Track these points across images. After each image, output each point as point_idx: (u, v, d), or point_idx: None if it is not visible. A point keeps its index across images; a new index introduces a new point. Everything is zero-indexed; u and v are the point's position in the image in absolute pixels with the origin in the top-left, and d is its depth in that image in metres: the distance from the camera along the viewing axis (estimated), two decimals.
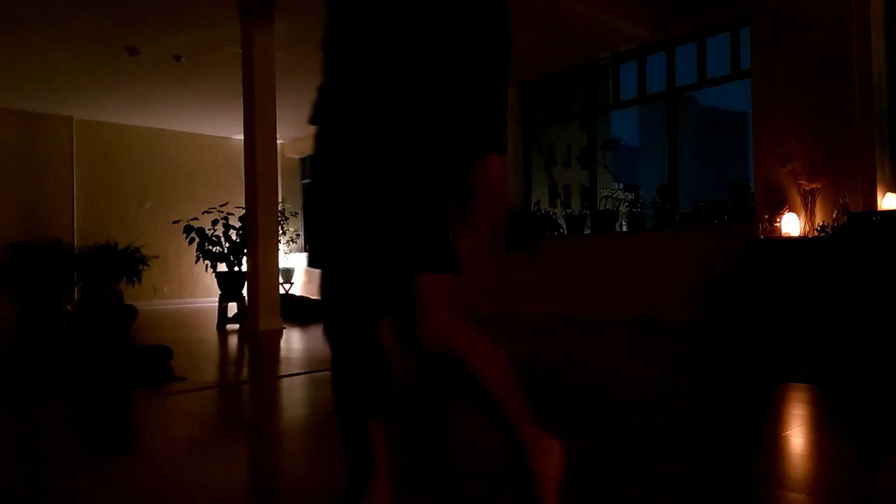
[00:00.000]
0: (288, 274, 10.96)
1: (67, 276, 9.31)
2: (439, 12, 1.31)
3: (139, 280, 9.76)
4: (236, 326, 6.81)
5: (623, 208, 8.02)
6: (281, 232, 10.43)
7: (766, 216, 5.73)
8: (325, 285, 1.42)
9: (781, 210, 5.66)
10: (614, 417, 2.76)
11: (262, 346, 5.46)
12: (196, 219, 7.26)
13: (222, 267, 7.13)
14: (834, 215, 5.25)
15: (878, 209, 5.22)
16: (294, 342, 5.69)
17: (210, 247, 7.02)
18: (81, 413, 3.05)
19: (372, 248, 1.28)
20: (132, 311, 4.23)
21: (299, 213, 11.95)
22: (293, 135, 11.23)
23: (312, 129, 1.41)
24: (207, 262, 7.10)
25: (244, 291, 6.81)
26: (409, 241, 1.28)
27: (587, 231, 7.78)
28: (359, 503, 1.44)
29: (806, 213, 5.57)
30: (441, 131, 1.32)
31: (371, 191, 1.28)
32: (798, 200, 5.64)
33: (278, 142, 8.04)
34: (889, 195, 5.22)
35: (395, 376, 1.49)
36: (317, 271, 1.43)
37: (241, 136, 6.66)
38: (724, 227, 6.41)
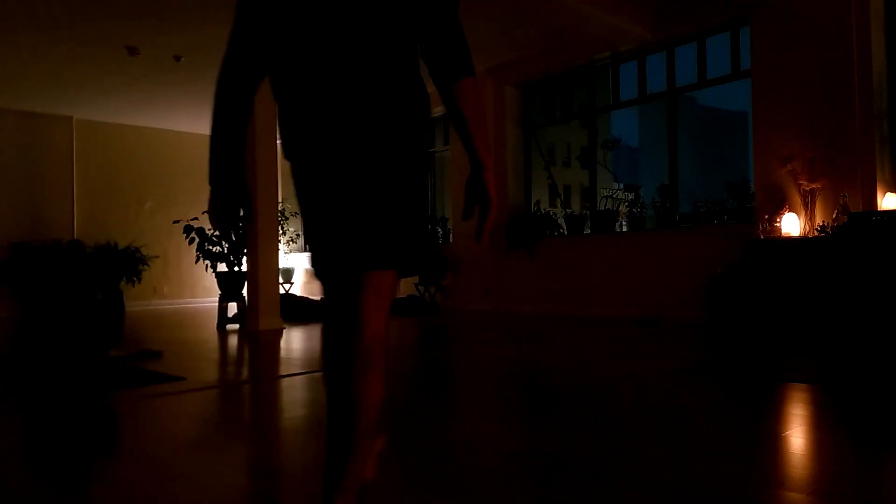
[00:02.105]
0: (288, 274, 10.95)
1: (80, 275, 9.24)
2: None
3: (139, 280, 9.75)
4: (236, 326, 6.80)
5: (623, 208, 8.02)
6: (281, 232, 10.42)
7: (766, 216, 5.73)
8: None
9: (781, 210, 5.66)
10: (614, 417, 2.77)
11: (262, 346, 5.46)
12: (196, 219, 7.24)
13: (222, 267, 7.13)
14: (834, 215, 5.25)
15: (878, 209, 5.22)
16: (294, 342, 5.69)
17: (210, 247, 7.02)
18: (82, 412, 3.05)
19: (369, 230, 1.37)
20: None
21: (299, 213, 11.89)
22: None
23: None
24: (207, 262, 7.10)
25: (244, 291, 6.81)
26: (400, 235, 1.38)
27: (587, 231, 7.78)
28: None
29: (806, 213, 5.57)
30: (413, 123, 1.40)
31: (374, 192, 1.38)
32: (798, 200, 5.64)
33: (278, 142, 8.04)
34: (889, 195, 5.22)
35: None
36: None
37: None
38: (724, 227, 6.40)
